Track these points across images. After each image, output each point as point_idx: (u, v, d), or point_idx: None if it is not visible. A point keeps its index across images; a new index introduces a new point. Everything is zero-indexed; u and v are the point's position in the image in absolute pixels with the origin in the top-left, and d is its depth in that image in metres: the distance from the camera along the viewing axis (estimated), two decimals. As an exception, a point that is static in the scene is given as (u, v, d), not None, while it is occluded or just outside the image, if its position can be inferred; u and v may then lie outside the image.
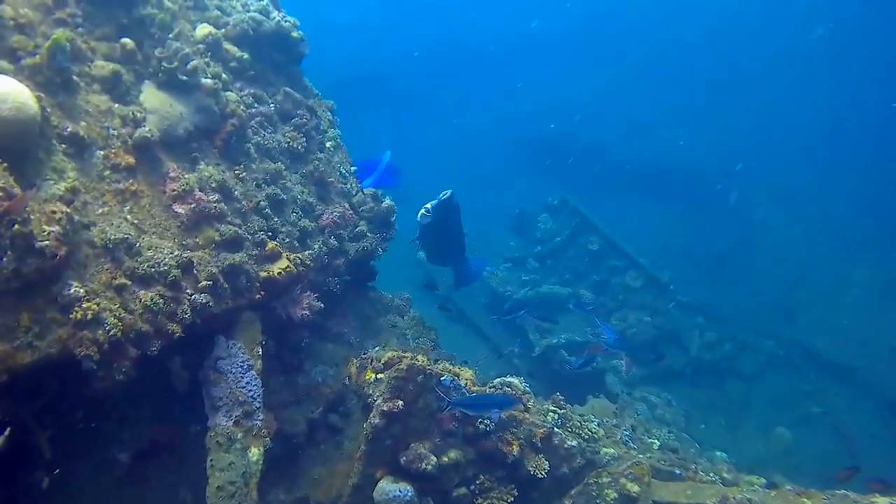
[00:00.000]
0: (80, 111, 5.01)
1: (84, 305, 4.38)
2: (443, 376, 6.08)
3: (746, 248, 18.11)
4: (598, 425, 7.60)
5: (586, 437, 6.89)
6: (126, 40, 5.43)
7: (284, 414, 6.32)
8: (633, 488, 6.64)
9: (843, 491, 7.11)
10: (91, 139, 4.98)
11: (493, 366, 12.26)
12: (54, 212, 4.34)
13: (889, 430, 13.37)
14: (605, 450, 6.94)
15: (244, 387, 5.49)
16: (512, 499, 6.27)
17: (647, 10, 29.34)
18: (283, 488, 6.23)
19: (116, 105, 5.26)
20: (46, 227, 4.26)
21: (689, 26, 28.32)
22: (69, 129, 4.79)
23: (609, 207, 16.16)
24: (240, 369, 5.53)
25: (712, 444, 11.87)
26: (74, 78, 5.01)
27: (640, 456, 7.44)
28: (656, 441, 7.98)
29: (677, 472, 7.38)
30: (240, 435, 5.34)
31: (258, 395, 5.55)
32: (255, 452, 5.35)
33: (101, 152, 5.02)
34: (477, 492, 6.23)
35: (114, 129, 5.15)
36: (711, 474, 7.60)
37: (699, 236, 17.90)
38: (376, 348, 6.88)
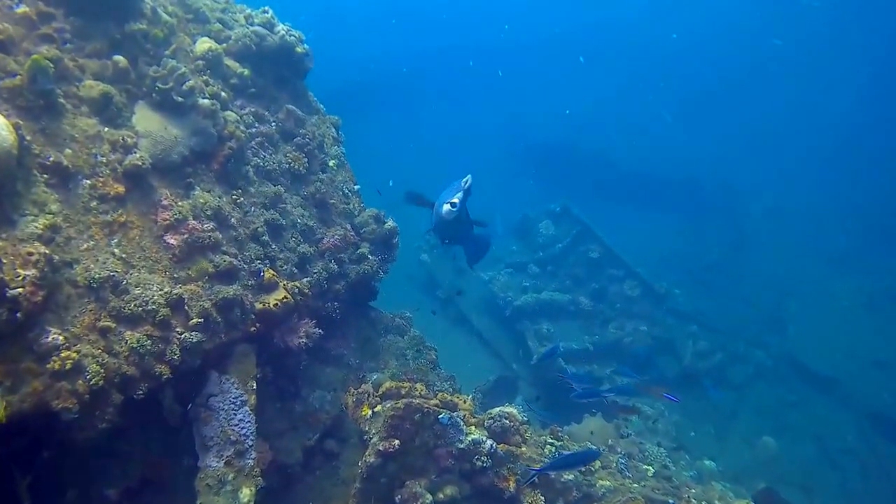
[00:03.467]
0: (65, 137, 4.44)
1: (62, 355, 3.86)
2: (440, 414, 5.59)
3: (740, 259, 17.61)
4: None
5: (583, 469, 6.44)
6: (118, 58, 4.84)
7: (280, 443, 5.83)
8: (630, 524, 6.22)
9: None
10: (77, 167, 4.42)
11: (491, 369, 11.82)
12: (31, 253, 3.81)
13: (867, 443, 13.00)
14: (600, 482, 6.51)
15: (236, 425, 4.99)
16: (508, 535, 5.84)
17: (649, 19, 28.44)
18: (277, 519, 5.77)
19: (106, 129, 4.69)
20: (21, 272, 3.73)
21: (689, 35, 27.47)
22: (52, 159, 4.23)
23: (609, 216, 15.60)
24: (232, 406, 5.03)
25: (702, 453, 11.49)
26: (60, 100, 4.43)
27: (635, 485, 7.03)
28: (651, 468, 7.53)
29: (670, 501, 6.98)
30: (231, 476, 4.85)
31: (251, 433, 5.05)
32: (246, 493, 4.86)
33: (88, 181, 4.46)
34: (473, 528, 5.80)
35: (102, 156, 4.58)
36: (704, 503, 7.18)
37: (696, 246, 17.40)
38: (374, 376, 6.38)
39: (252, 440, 5.04)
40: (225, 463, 4.86)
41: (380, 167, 16.89)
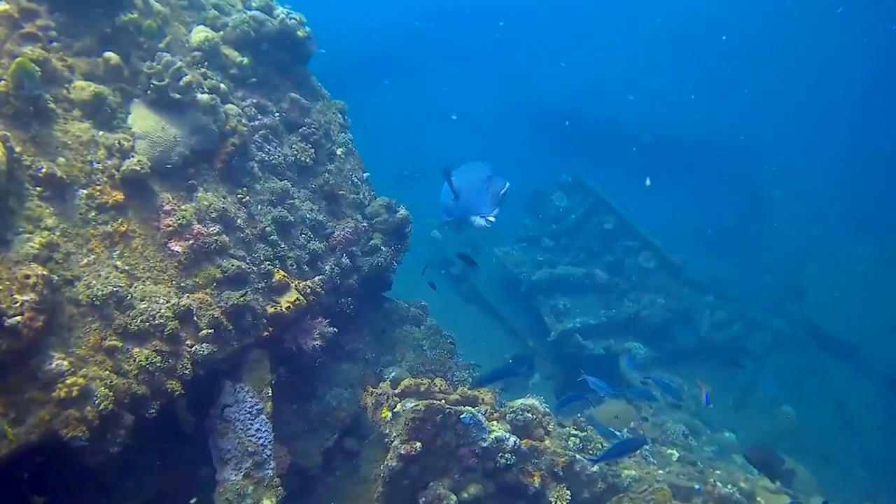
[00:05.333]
0: (57, 145, 4.17)
1: (69, 381, 3.67)
2: (462, 414, 5.42)
3: (756, 223, 17.21)
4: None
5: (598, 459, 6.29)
6: (109, 54, 4.53)
7: (298, 445, 5.70)
8: (657, 515, 6.10)
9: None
10: (72, 177, 4.16)
11: (508, 348, 11.67)
12: (28, 276, 3.58)
13: (886, 408, 12.87)
14: (625, 471, 6.36)
15: (253, 435, 4.83)
16: (533, 531, 5.73)
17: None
18: (298, 522, 5.67)
19: (101, 133, 4.41)
20: (19, 297, 3.51)
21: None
22: (44, 170, 3.97)
23: (622, 184, 15.20)
24: (248, 416, 4.86)
25: (721, 425, 11.39)
26: (50, 105, 4.15)
27: (660, 472, 6.91)
28: (675, 452, 7.40)
29: (696, 487, 6.87)
30: (250, 489, 4.71)
31: (269, 442, 4.89)
32: (266, 505, 4.74)
33: (85, 191, 4.21)
34: (497, 525, 5.68)
35: (98, 163, 4.31)
36: (730, 486, 7.05)
37: (711, 211, 16.99)
38: (392, 372, 6.21)
39: (270, 449, 4.89)
40: (244, 475, 4.71)
41: (386, 140, 16.52)
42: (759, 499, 7.01)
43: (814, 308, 14.39)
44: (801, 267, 15.51)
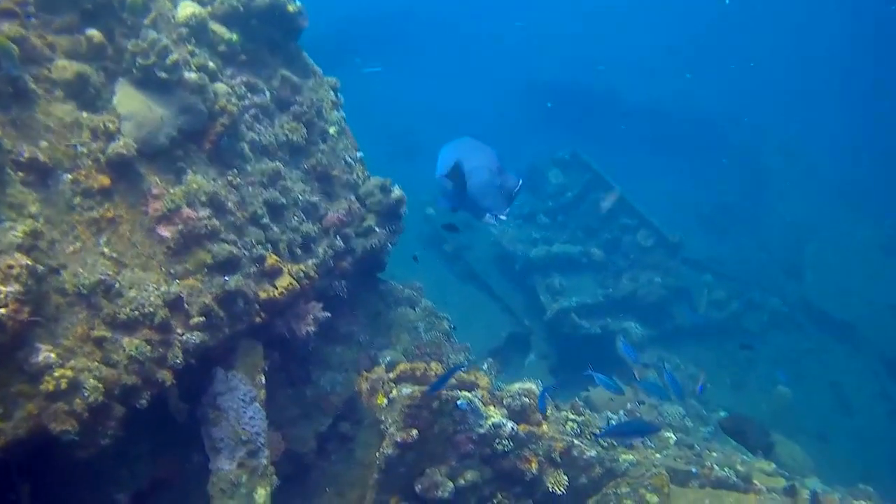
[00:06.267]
0: (39, 127, 4.04)
1: (56, 373, 3.61)
2: (459, 400, 5.40)
3: (755, 201, 17.14)
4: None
5: (605, 444, 6.33)
6: (92, 32, 4.37)
7: (293, 431, 5.70)
8: (653, 499, 6.14)
9: (863, 502, 6.69)
10: (55, 161, 4.05)
11: (505, 326, 11.66)
12: (11, 266, 3.49)
13: (882, 389, 12.99)
14: (623, 456, 6.41)
15: (247, 423, 4.81)
16: (529, 514, 5.77)
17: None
18: (295, 504, 5.69)
19: (85, 114, 4.28)
20: (2, 288, 3.43)
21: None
22: (26, 154, 3.86)
23: (620, 160, 15.06)
24: (241, 403, 4.83)
25: (717, 404, 11.49)
26: (30, 86, 4.02)
27: (658, 455, 6.95)
28: (672, 435, 7.44)
29: (693, 470, 6.91)
30: (244, 478, 4.70)
31: (262, 430, 4.87)
32: (261, 494, 4.73)
33: (69, 175, 4.10)
34: (494, 510, 5.72)
35: (83, 146, 4.20)
36: (726, 469, 7.10)
37: (710, 188, 16.91)
38: (387, 357, 6.18)
39: (264, 438, 4.87)
40: (238, 465, 4.70)
41: (379, 115, 16.31)
42: (755, 481, 7.06)
43: (812, 288, 14.43)
44: (799, 246, 15.51)
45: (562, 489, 5.81)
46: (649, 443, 7.01)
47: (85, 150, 4.20)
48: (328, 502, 5.69)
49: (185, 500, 4.99)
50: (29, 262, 3.57)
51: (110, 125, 4.32)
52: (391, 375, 5.78)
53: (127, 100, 4.49)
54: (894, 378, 12.90)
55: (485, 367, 7.26)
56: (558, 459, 5.92)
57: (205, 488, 4.80)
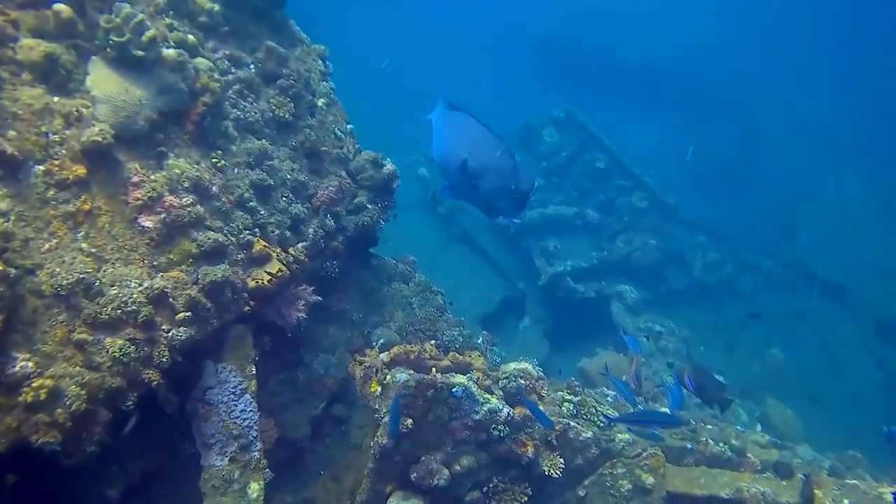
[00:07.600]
0: (6, 115, 3.79)
1: (35, 384, 3.48)
2: (454, 387, 5.35)
3: (750, 159, 16.93)
4: (613, 401, 7.08)
5: (602, 424, 6.34)
6: (60, 6, 4.06)
7: (286, 417, 5.62)
8: (649, 479, 6.23)
9: (854, 481, 6.79)
10: (25, 152, 3.81)
11: (499, 290, 11.60)
12: (-18, 272, 3.31)
13: (874, 351, 13.17)
14: (619, 435, 6.42)
15: (238, 416, 4.73)
16: (526, 498, 5.82)
17: None
18: (290, 490, 5.68)
19: (56, 98, 4.02)
20: (-27, 297, 3.26)
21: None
22: (-7, 147, 3.62)
23: (614, 117, 14.75)
24: (232, 396, 4.74)
25: (710, 368, 11.58)
26: (-6, 70, 3.75)
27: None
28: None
29: (689, 446, 6.98)
30: (237, 473, 4.65)
31: (254, 422, 4.79)
32: (255, 488, 4.69)
33: (41, 167, 3.86)
34: (490, 494, 5.75)
35: (55, 134, 3.95)
36: (721, 444, 7.17)
37: (704, 146, 16.64)
38: (381, 338, 6.09)
39: (256, 430, 4.80)
40: (230, 460, 4.64)
41: (372, 69, 15.79)
42: (749, 455, 7.16)
43: (805, 249, 14.45)
44: (793, 206, 15.46)
45: (558, 472, 5.84)
46: (644, 419, 7.03)
47: (58, 139, 3.95)
48: (323, 487, 5.68)
49: (176, 492, 4.94)
50: (0, 267, 3.39)
51: (84, 110, 4.06)
52: (384, 357, 5.71)
53: (101, 81, 4.22)
54: (885, 340, 13.07)
55: (480, 340, 7.18)
56: (554, 442, 5.93)
57: (196, 480, 4.76)
